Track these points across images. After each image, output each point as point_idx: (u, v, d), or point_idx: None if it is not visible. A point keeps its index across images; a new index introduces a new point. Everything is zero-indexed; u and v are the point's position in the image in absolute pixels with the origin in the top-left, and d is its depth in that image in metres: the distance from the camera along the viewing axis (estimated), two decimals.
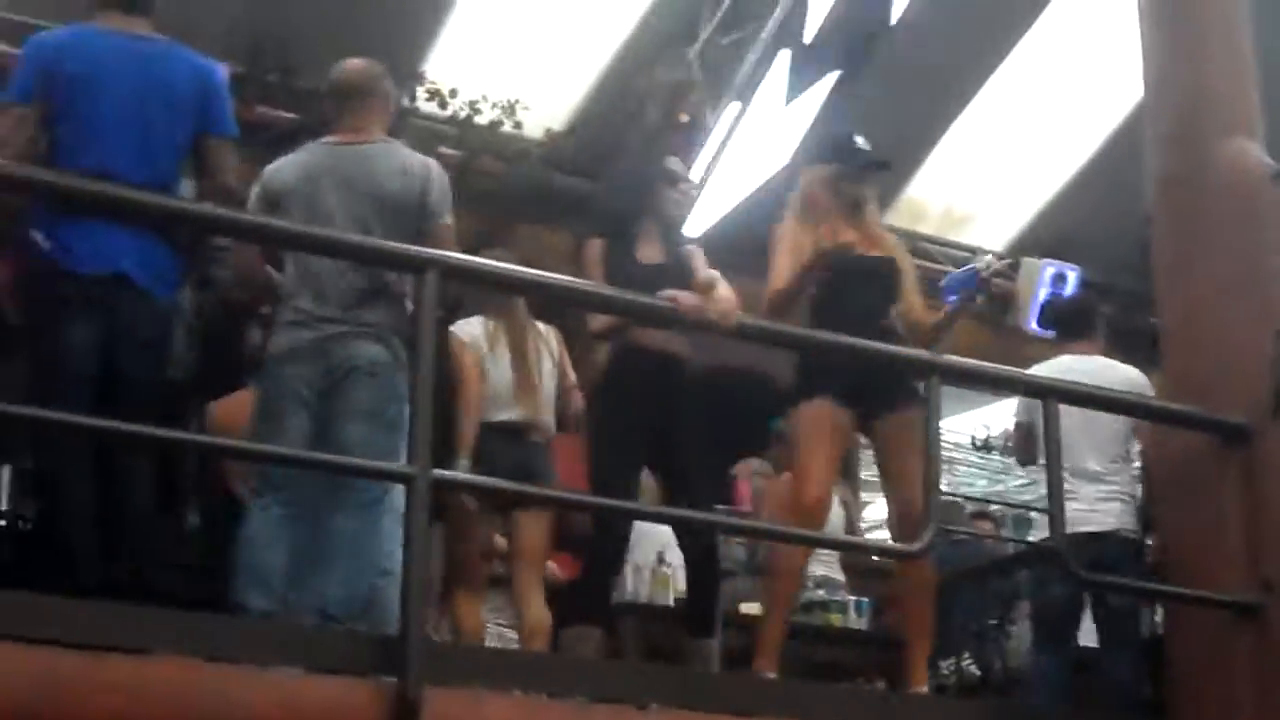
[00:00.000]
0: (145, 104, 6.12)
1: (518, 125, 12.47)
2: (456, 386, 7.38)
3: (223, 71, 6.89)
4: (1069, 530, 7.11)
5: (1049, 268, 14.09)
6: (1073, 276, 14.16)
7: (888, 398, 6.84)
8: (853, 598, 8.89)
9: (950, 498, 12.91)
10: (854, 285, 6.93)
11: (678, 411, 7.05)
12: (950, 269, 12.74)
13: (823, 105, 11.36)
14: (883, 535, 7.76)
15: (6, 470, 7.81)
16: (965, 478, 16.25)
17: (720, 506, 8.85)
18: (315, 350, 6.09)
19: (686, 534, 7.10)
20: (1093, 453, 7.62)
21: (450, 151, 12.09)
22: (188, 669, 4.95)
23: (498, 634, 7.99)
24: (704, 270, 6.62)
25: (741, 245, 8.34)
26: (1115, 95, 12.89)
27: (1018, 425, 8.13)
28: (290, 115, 11.39)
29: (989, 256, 7.12)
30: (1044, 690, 7.67)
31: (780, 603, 6.94)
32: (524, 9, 12.30)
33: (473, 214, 11.90)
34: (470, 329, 7.61)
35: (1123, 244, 12.31)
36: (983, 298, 7.21)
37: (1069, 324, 8.32)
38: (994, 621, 9.13)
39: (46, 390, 5.83)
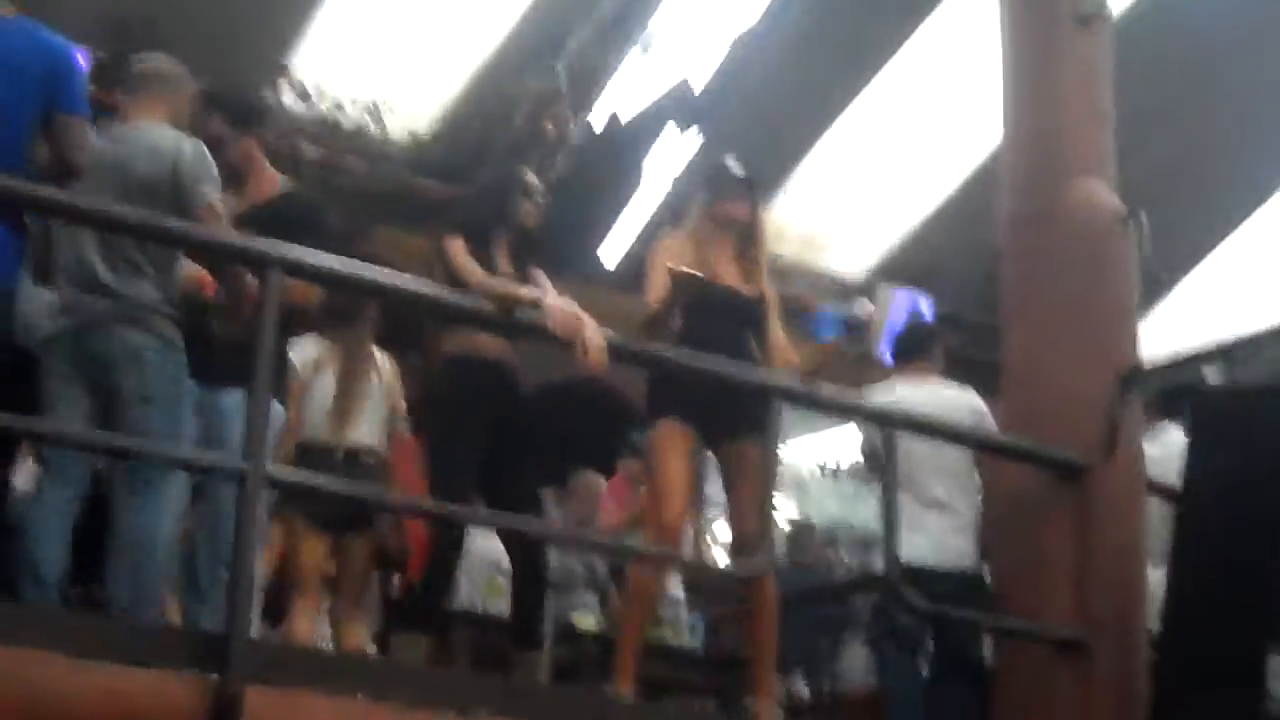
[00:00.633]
0: None
1: (382, 127, 12.43)
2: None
3: (78, 53, 6.79)
4: (918, 563, 7.25)
5: (901, 295, 14.21)
6: (925, 306, 14.28)
7: (731, 425, 6.85)
8: (686, 615, 8.91)
9: (799, 523, 12.95)
10: (717, 318, 6.92)
11: (510, 423, 7.04)
12: (807, 292, 12.90)
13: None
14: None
15: None
16: (817, 502, 16.30)
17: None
18: (78, 334, 6.00)
19: (513, 545, 7.10)
20: (939, 481, 7.65)
21: (313, 148, 12.05)
22: (7, 658, 4.87)
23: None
24: (553, 294, 6.67)
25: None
26: (980, 132, 13.02)
27: (864, 452, 8.15)
28: None
29: (866, 303, 7.15)
30: (899, 712, 7.71)
31: (635, 621, 6.93)
32: (393, 10, 12.25)
33: (333, 212, 11.90)
34: (303, 351, 7.48)
35: (977, 277, 12.47)
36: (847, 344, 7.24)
37: (906, 347, 8.34)
38: (827, 644, 9.19)
39: None
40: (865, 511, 15.20)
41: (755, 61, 11.98)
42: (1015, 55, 7.77)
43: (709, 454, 7.09)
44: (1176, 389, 6.92)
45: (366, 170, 12.31)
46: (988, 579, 7.50)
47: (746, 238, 7.11)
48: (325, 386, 7.39)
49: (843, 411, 7.78)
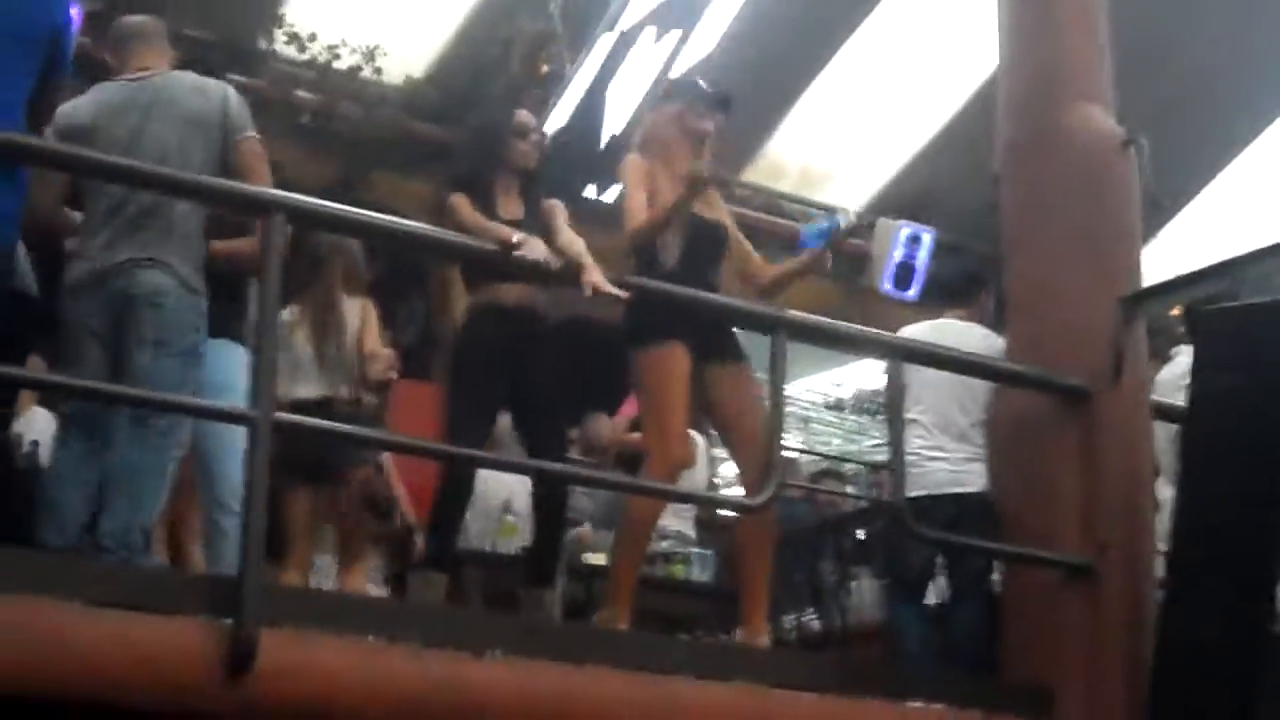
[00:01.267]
0: None
1: (378, 71, 12.39)
2: None
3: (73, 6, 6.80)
4: (936, 490, 7.40)
5: (904, 229, 14.18)
6: (927, 238, 14.26)
7: (728, 348, 6.84)
8: (697, 550, 8.94)
9: (802, 454, 12.97)
10: (693, 246, 6.91)
11: (534, 366, 7.04)
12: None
13: (680, 64, 11.34)
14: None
15: None
16: (821, 436, 16.33)
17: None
18: (95, 282, 6.03)
19: (538, 484, 7.12)
20: (961, 410, 7.68)
21: (309, 96, 12.02)
22: (17, 607, 4.89)
23: None
24: (565, 231, 6.66)
25: None
26: (974, 59, 12.98)
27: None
28: None
29: (850, 213, 7.13)
30: (907, 642, 7.75)
31: (632, 554, 6.95)
32: None
33: (330, 159, 11.89)
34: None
35: (978, 206, 12.44)
36: (832, 256, 7.22)
37: (950, 289, 8.37)
38: (835, 577, 9.20)
39: None
40: (869, 445, 15.31)
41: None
42: None
43: None
44: (1193, 309, 6.91)
45: (363, 116, 12.26)
46: None
47: (702, 151, 7.07)
48: (300, 342, 7.44)
49: (846, 343, 7.78)
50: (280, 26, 12.05)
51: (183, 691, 5.09)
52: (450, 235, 6.62)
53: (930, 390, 7.64)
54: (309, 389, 7.41)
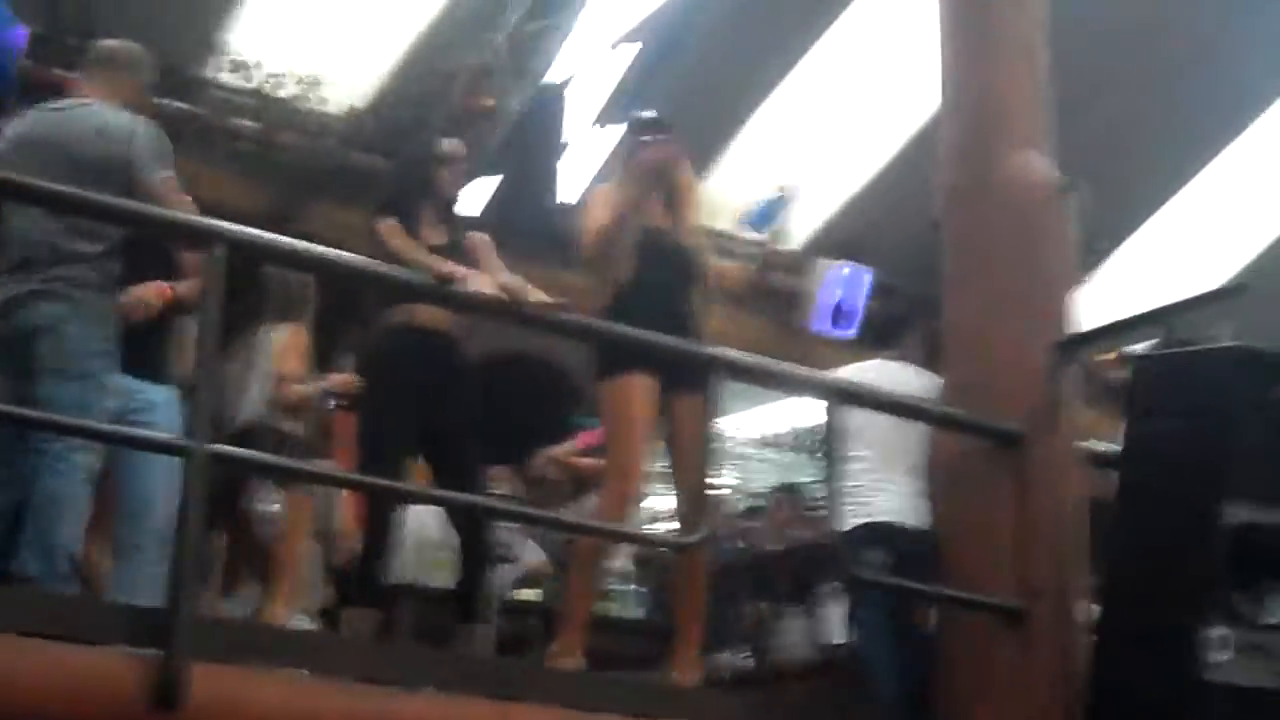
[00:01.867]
0: None
1: (320, 101, 12.37)
2: None
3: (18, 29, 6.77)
4: (886, 519, 7.44)
5: (842, 268, 14.24)
6: (865, 278, 14.32)
7: (691, 377, 6.81)
8: (631, 587, 8.93)
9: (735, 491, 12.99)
10: (657, 269, 6.90)
11: (453, 397, 7.04)
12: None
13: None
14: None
15: None
16: (757, 474, 16.35)
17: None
18: (3, 311, 6.01)
19: (459, 519, 7.10)
20: (904, 452, 7.71)
21: (249, 124, 11.99)
22: None
23: None
24: (501, 267, 6.68)
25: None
26: (915, 101, 13.05)
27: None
28: None
29: (788, 187, 7.14)
30: (880, 672, 7.75)
31: (582, 587, 6.91)
32: None
33: (270, 189, 11.87)
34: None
35: (915, 248, 12.50)
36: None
37: (877, 332, 8.43)
38: (769, 615, 9.22)
39: None
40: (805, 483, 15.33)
41: (691, 31, 11.96)
42: (952, 25, 7.79)
43: None
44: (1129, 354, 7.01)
45: (303, 145, 12.24)
46: None
47: (671, 185, 7.07)
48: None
49: (783, 384, 7.78)
50: (223, 54, 12.01)
51: None
52: (388, 269, 6.60)
53: (873, 427, 7.66)
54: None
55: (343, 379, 7.77)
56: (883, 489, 7.60)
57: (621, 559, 9.35)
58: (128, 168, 6.07)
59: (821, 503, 12.13)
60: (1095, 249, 7.27)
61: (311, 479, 7.36)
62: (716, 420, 6.58)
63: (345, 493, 8.52)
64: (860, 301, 14.26)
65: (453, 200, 7.27)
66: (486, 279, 6.49)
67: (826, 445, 7.22)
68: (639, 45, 11.76)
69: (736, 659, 9.13)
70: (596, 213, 6.86)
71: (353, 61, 12.51)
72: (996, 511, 6.93)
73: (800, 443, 16.07)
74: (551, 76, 12.34)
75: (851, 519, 7.16)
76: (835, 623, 8.33)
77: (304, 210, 11.90)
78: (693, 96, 12.08)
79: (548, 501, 9.34)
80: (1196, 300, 7.06)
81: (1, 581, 5.73)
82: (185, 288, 6.43)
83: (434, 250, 6.83)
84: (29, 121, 6.25)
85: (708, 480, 6.63)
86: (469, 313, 6.85)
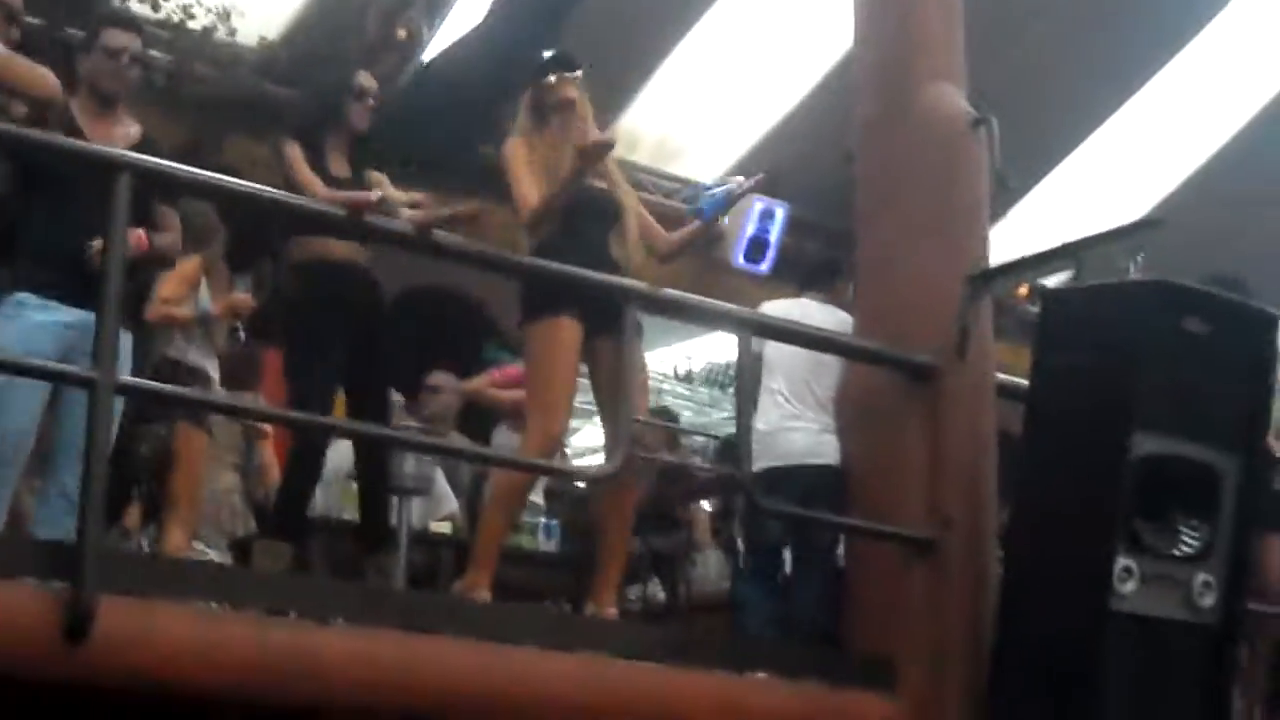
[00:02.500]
0: None
1: (232, 33, 12.23)
2: None
3: None
4: (792, 460, 7.58)
5: (757, 204, 14.23)
6: (780, 213, 14.32)
7: (616, 320, 6.79)
8: (542, 520, 8.92)
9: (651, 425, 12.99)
10: (580, 217, 6.86)
11: (369, 332, 7.04)
12: (661, 199, 12.90)
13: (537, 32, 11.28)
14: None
15: None
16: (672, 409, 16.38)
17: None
18: None
19: (359, 449, 7.10)
20: (816, 382, 7.76)
21: (161, 56, 11.84)
22: None
23: None
24: (396, 193, 6.68)
25: None
26: (830, 35, 13.03)
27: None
28: None
29: (740, 178, 7.14)
30: (751, 615, 7.81)
31: (498, 522, 6.86)
32: None
33: (183, 121, 11.73)
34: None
35: (832, 183, 12.50)
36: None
37: (811, 273, 8.48)
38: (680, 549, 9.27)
39: None
40: (720, 419, 15.37)
41: None
42: None
43: None
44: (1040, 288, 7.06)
45: (216, 77, 12.11)
46: None
47: (579, 128, 7.03)
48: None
49: (698, 317, 7.78)
50: None
51: (17, 658, 5.00)
52: (303, 200, 6.58)
53: (786, 362, 7.72)
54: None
55: (230, 301, 7.67)
56: (795, 428, 7.65)
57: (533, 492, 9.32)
58: None
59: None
60: (1009, 186, 7.24)
61: (218, 410, 7.31)
62: (639, 358, 6.58)
63: (269, 427, 8.52)
64: (775, 236, 14.27)
65: (360, 134, 7.24)
66: (400, 194, 6.48)
67: (737, 380, 7.28)
68: None
69: (648, 592, 9.17)
70: (525, 185, 6.76)
71: None
72: (908, 444, 6.98)
73: (715, 378, 16.10)
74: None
75: (760, 460, 7.20)
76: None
77: (218, 142, 11.77)
78: (609, 30, 12.03)
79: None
80: (1110, 234, 7.09)
81: None
82: (163, 239, 6.35)
83: (338, 183, 6.83)
84: None
85: (631, 418, 6.65)
86: (385, 244, 6.81)
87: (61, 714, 5.26)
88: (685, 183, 11.98)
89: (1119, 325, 6.54)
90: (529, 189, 6.72)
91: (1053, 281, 8.21)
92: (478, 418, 9.87)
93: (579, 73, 6.98)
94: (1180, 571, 6.47)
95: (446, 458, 8.75)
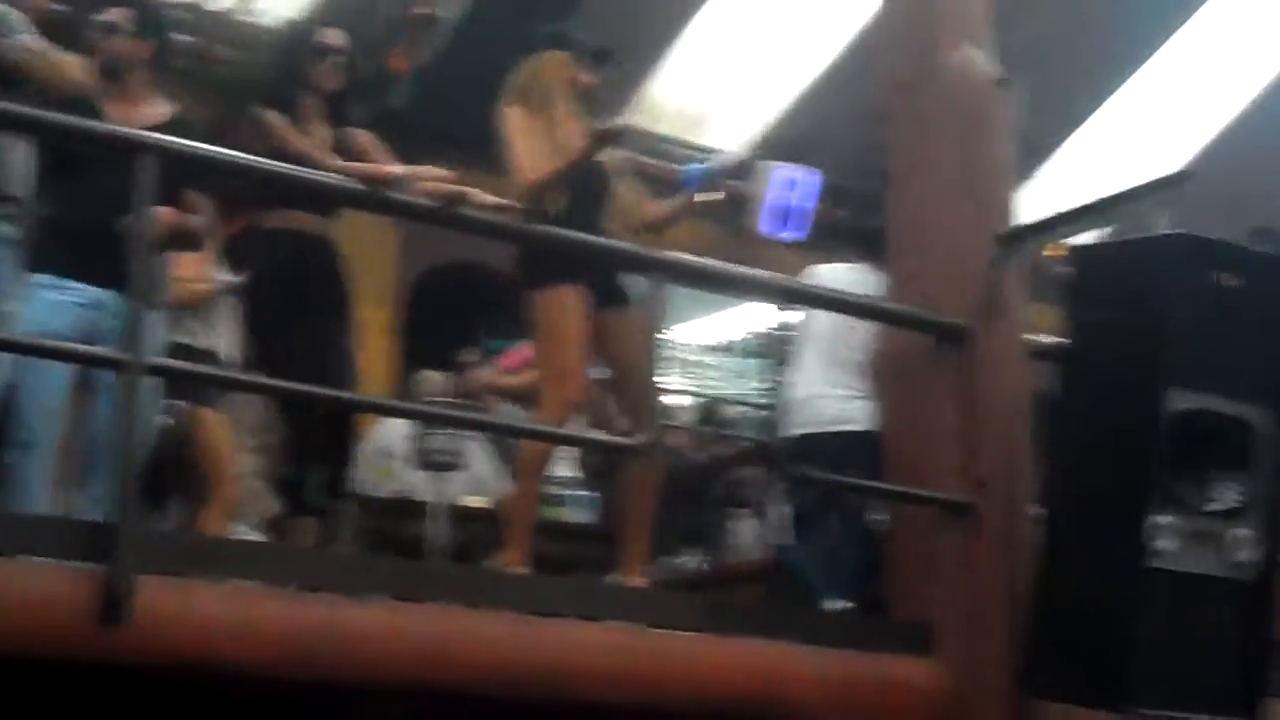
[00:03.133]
0: None
1: (255, 14, 12.22)
2: None
3: None
4: (824, 427, 7.54)
5: (781, 171, 14.16)
6: (803, 178, 14.25)
7: (621, 291, 6.82)
8: (578, 492, 8.91)
9: (685, 397, 13.00)
10: (572, 190, 6.85)
11: (330, 295, 7.05)
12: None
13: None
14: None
15: None
16: (705, 380, 16.35)
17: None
18: None
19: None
20: (849, 349, 7.74)
21: (184, 38, 11.83)
22: None
23: None
24: (384, 160, 6.67)
25: None
26: (856, 1, 13.00)
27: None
28: None
29: (729, 155, 7.13)
30: (799, 580, 7.80)
31: (525, 495, 6.89)
32: None
33: (206, 102, 11.71)
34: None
35: (861, 146, 12.45)
36: (717, 196, 7.24)
37: (868, 241, 8.43)
38: (716, 519, 9.25)
39: None
40: (754, 388, 15.34)
41: None
42: None
43: None
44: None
45: (239, 59, 12.09)
46: None
47: (583, 103, 7.02)
48: None
49: (725, 285, 7.76)
50: None
51: (55, 640, 5.02)
52: (332, 179, 6.53)
53: (818, 328, 7.70)
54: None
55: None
56: (826, 395, 7.63)
57: (564, 466, 9.32)
58: None
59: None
60: (1035, 146, 7.22)
61: (248, 389, 7.27)
62: (656, 329, 6.56)
63: None
64: (801, 203, 14.21)
65: (335, 94, 7.17)
66: (431, 171, 6.45)
67: (771, 348, 7.25)
68: None
69: (689, 562, 9.16)
70: (526, 157, 6.73)
71: None
72: (941, 405, 6.96)
73: (751, 348, 16.06)
74: None
75: (795, 428, 7.20)
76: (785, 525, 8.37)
77: (236, 125, 11.75)
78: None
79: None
80: (1141, 190, 7.06)
81: None
82: (194, 221, 6.31)
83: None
84: None
85: (650, 390, 6.63)
86: (413, 220, 6.79)
87: (100, 695, 5.28)
88: (709, 151, 11.93)
89: (1149, 280, 6.52)
90: (527, 160, 6.70)
91: (1086, 240, 8.15)
92: None
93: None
94: (1216, 527, 6.45)
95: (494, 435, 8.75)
